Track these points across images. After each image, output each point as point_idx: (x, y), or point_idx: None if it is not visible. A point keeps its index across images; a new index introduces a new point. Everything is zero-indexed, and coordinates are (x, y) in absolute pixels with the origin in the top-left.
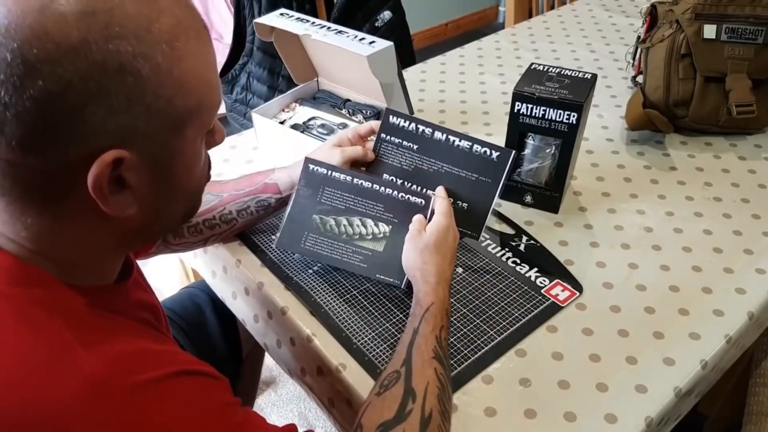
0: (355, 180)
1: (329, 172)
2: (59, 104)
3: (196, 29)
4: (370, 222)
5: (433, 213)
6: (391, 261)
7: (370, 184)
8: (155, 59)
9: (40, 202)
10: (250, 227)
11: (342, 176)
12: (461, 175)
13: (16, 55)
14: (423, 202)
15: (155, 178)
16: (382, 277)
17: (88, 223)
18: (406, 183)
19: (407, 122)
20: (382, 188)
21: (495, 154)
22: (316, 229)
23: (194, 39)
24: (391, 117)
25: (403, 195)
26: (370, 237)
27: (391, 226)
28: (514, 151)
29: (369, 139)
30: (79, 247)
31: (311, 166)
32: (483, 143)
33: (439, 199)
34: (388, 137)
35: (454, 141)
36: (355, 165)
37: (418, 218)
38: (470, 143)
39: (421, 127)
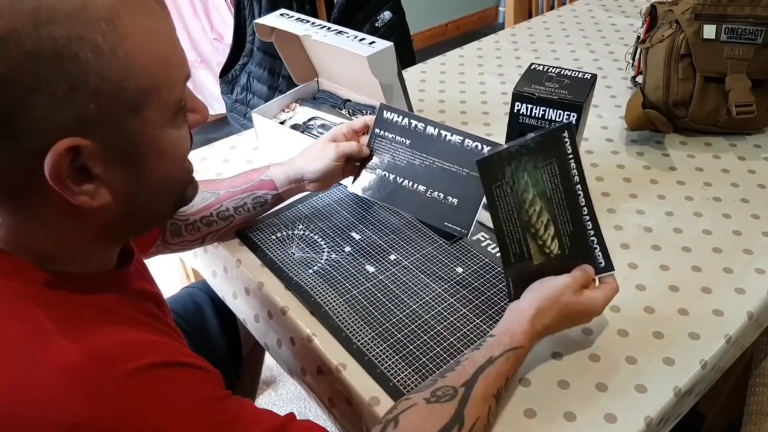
0: (578, 187)
1: (571, 155)
2: (2, 100)
3: (142, 3)
4: (551, 230)
5: (587, 275)
6: (531, 280)
7: (583, 203)
8: (94, 40)
9: (8, 200)
10: (247, 224)
11: (574, 171)
12: (452, 170)
13: None
14: (603, 264)
15: (124, 165)
16: (510, 283)
17: (61, 217)
18: (398, 178)
19: (400, 117)
20: (587, 217)
21: (486, 149)
22: (515, 187)
23: (141, 14)
24: (384, 112)
25: (594, 241)
26: (540, 243)
27: (560, 252)
28: (505, 146)
29: (363, 134)
30: (58, 242)
31: (565, 135)
32: (475, 138)
33: (614, 287)
34: (382, 132)
35: (445, 135)
36: (349, 160)
37: (587, 274)
38: (462, 138)
39: (414, 122)
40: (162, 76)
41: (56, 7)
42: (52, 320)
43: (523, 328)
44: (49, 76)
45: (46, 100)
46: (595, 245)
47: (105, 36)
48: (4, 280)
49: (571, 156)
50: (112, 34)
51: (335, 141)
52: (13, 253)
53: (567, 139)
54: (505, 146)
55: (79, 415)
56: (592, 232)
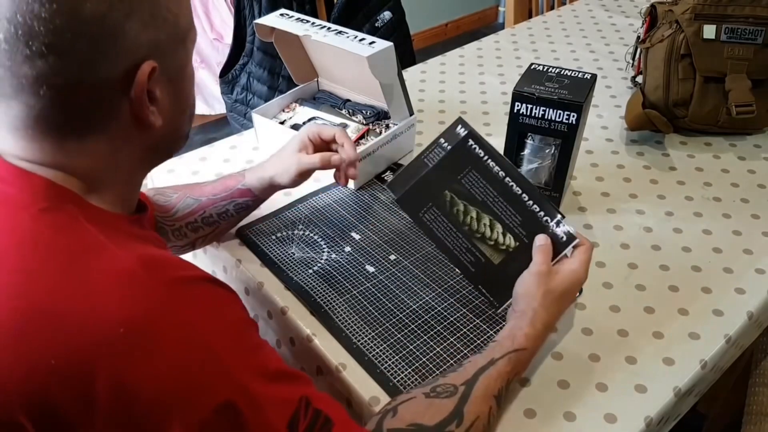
0: (507, 179)
1: (486, 157)
2: (107, 22)
3: None
4: (499, 228)
5: (564, 255)
6: (501, 279)
7: (520, 191)
8: None
9: (99, 121)
10: (233, 227)
11: (496, 168)
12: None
13: None
14: (565, 238)
15: (172, 90)
16: (484, 290)
17: (125, 138)
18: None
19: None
20: (530, 202)
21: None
22: (442, 206)
23: None
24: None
25: (548, 220)
26: (492, 243)
27: (518, 243)
28: (416, 179)
29: (334, 142)
30: (118, 168)
31: (471, 143)
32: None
33: (587, 247)
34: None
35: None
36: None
37: (546, 251)
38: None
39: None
40: (191, 17)
41: None
42: (104, 235)
43: (525, 332)
44: (140, 3)
45: (138, 24)
46: (550, 223)
47: None
48: (60, 203)
49: (485, 157)
50: None
51: (302, 150)
52: (65, 184)
53: (474, 146)
54: (416, 179)
55: (129, 315)
56: (542, 213)
